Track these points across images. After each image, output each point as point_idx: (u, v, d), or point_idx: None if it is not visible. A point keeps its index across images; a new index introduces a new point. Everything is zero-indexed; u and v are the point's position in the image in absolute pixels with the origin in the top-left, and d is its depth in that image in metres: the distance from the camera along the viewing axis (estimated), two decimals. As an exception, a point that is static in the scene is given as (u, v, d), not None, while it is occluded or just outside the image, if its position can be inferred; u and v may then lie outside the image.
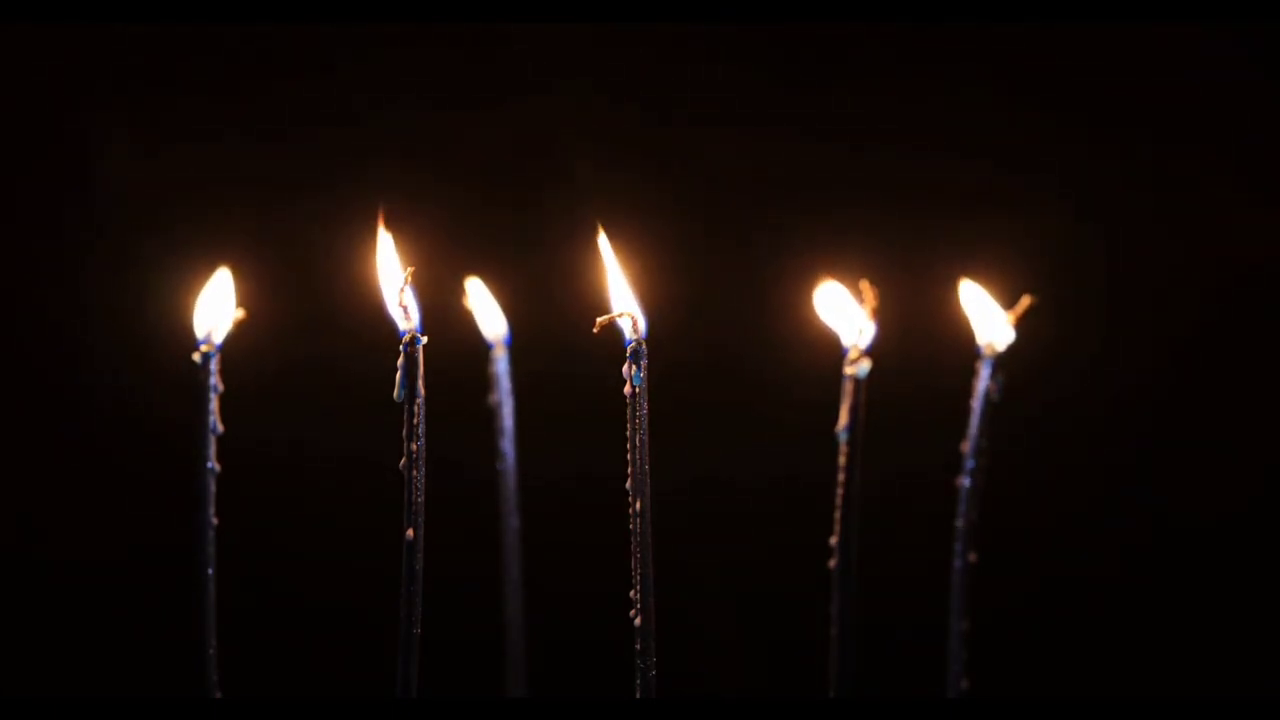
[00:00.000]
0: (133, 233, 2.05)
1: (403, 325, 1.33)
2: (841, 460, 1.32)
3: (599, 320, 1.33)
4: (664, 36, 2.05)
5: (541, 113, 2.09)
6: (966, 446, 1.49)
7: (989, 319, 1.50)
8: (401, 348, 1.33)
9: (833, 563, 1.33)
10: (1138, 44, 2.02)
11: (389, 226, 1.40)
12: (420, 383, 1.33)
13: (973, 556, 1.51)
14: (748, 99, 2.08)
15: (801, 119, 2.08)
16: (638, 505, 1.32)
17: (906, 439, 1.92)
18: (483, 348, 1.68)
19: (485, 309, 1.68)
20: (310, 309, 2.04)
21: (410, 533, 1.33)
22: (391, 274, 1.41)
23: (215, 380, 1.40)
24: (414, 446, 1.33)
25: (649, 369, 1.32)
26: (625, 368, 1.32)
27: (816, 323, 1.42)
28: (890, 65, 2.06)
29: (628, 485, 1.32)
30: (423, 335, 1.33)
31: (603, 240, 1.38)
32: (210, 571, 1.40)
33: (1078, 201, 2.06)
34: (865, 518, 1.33)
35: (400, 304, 1.34)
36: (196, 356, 1.40)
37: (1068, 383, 2.05)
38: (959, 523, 1.50)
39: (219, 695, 1.41)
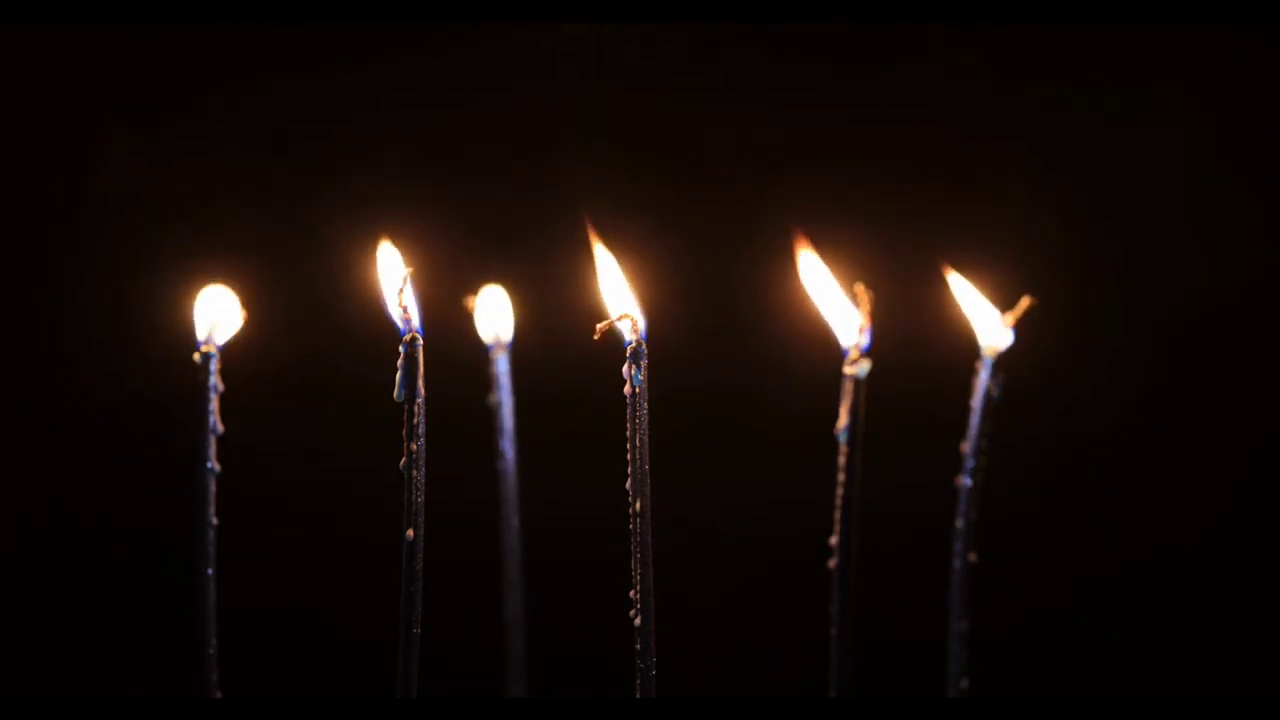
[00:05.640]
0: (133, 234, 2.05)
1: (402, 325, 1.34)
2: (841, 461, 1.32)
3: (599, 326, 1.33)
4: (665, 39, 2.05)
5: (542, 115, 2.09)
6: (966, 446, 1.49)
7: (989, 319, 1.50)
8: (401, 348, 1.33)
9: (832, 563, 1.33)
10: (1146, 42, 2.02)
11: (389, 237, 1.41)
12: (420, 383, 1.33)
13: (973, 556, 1.51)
14: (746, 99, 2.08)
15: (799, 116, 2.08)
16: (638, 505, 1.32)
17: (906, 439, 1.92)
18: (483, 348, 1.68)
19: (486, 309, 1.69)
20: (311, 309, 2.04)
21: (410, 532, 1.33)
22: (391, 275, 1.41)
23: (215, 380, 1.40)
24: (414, 446, 1.33)
25: (648, 369, 1.32)
26: (625, 368, 1.32)
27: (816, 323, 1.42)
28: (892, 61, 2.06)
29: (628, 485, 1.32)
30: (422, 335, 1.33)
31: (599, 248, 1.39)
32: (210, 571, 1.40)
33: (1082, 202, 2.06)
34: (865, 518, 1.33)
35: (400, 304, 1.34)
36: (196, 357, 1.40)
37: (1069, 382, 2.05)
38: (959, 523, 1.50)
39: (219, 695, 1.41)
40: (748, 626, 2.11)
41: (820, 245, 1.46)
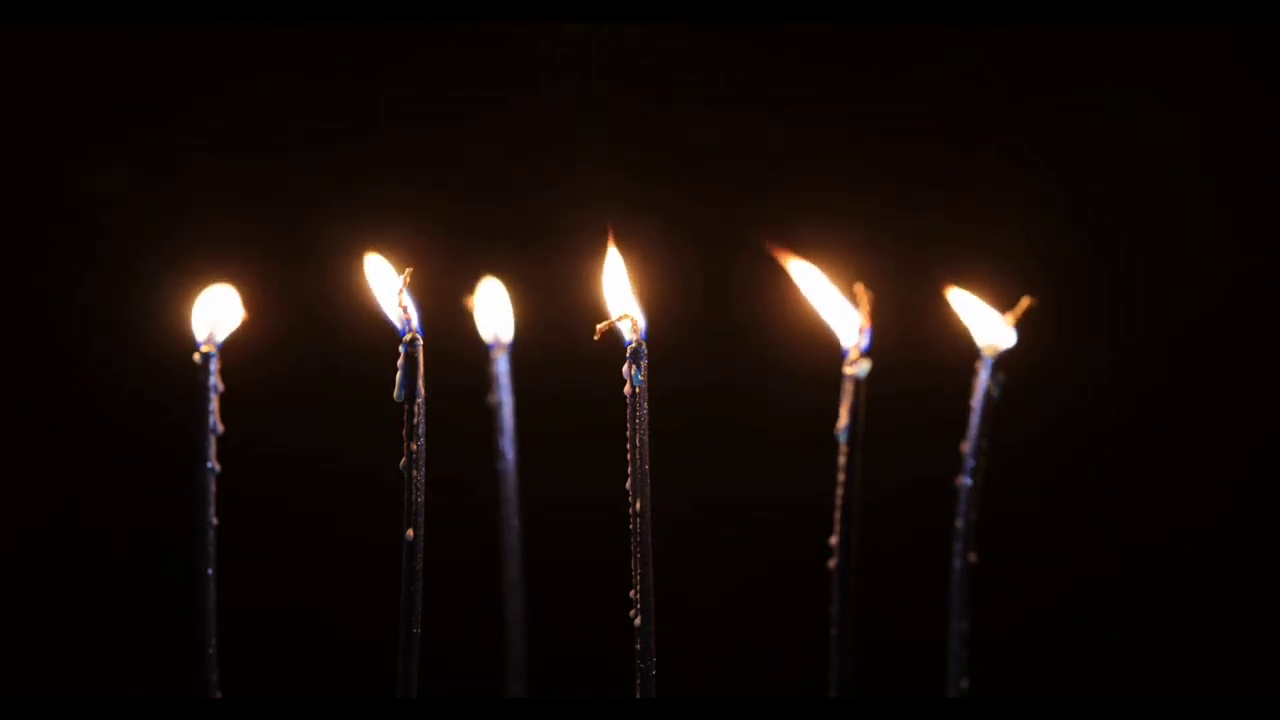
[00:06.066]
0: (134, 234, 2.05)
1: (402, 325, 1.34)
2: (841, 461, 1.32)
3: (599, 326, 1.33)
4: (665, 39, 2.05)
5: (542, 115, 2.09)
6: (966, 446, 1.49)
7: (988, 320, 1.50)
8: (401, 348, 1.33)
9: (832, 563, 1.33)
10: (1138, 43, 2.02)
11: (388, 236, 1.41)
12: (420, 383, 1.33)
13: (973, 556, 1.51)
14: (746, 99, 2.08)
15: (799, 116, 2.08)
16: (638, 505, 1.32)
17: (906, 439, 1.92)
18: (483, 348, 1.68)
19: (486, 309, 1.68)
20: (311, 309, 2.04)
21: (410, 532, 1.33)
22: (391, 275, 1.41)
23: (215, 380, 1.40)
24: (414, 446, 1.33)
25: (648, 369, 1.32)
26: (625, 368, 1.32)
27: (816, 323, 1.42)
28: (890, 65, 2.06)
29: (628, 485, 1.32)
30: (422, 335, 1.33)
31: (611, 250, 1.38)
32: (210, 571, 1.40)
33: (1080, 202, 2.06)
34: (865, 518, 1.33)
35: (400, 304, 1.34)
36: (196, 357, 1.40)
37: (1069, 382, 2.05)
38: (959, 523, 1.50)
39: (219, 695, 1.41)
40: (748, 626, 2.11)
41: (817, 245, 1.46)
